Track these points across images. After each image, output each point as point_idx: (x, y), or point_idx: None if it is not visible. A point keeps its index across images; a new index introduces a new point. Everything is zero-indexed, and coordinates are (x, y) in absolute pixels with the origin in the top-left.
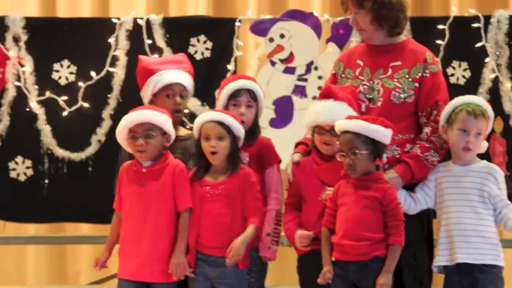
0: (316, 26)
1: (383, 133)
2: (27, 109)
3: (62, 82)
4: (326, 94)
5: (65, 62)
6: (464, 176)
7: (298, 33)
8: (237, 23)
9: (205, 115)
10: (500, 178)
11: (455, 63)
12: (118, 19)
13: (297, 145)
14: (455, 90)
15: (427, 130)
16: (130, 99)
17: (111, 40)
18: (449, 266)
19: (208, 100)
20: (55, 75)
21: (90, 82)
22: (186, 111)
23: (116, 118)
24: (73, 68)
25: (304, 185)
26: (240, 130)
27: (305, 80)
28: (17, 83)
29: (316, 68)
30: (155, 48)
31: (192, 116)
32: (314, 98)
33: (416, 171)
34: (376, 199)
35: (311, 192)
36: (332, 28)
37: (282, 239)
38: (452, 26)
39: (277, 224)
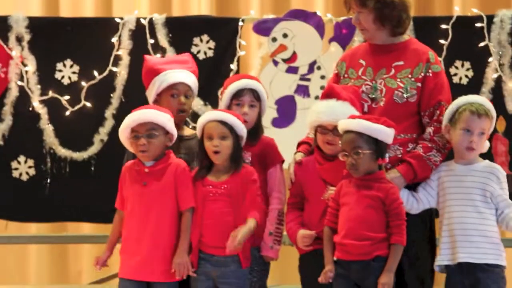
0: (319, 26)
1: (385, 133)
2: (30, 109)
3: (65, 81)
4: (328, 93)
5: (68, 62)
6: (467, 175)
7: (301, 32)
8: (240, 23)
9: (208, 115)
10: (502, 178)
11: (458, 63)
12: (121, 18)
13: (299, 144)
14: (458, 90)
15: (430, 130)
16: (133, 98)
17: (114, 39)
18: (451, 266)
19: (211, 99)
20: (58, 75)
21: (93, 82)
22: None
23: (118, 117)
24: (76, 68)
25: (306, 184)
26: (242, 130)
27: (308, 79)
28: (20, 83)
29: (319, 68)
30: (158, 48)
31: (194, 116)
32: (316, 97)
33: (419, 171)
34: (379, 198)
35: (313, 191)
36: (335, 28)
37: (284, 239)
38: (455, 26)
39: (279, 223)
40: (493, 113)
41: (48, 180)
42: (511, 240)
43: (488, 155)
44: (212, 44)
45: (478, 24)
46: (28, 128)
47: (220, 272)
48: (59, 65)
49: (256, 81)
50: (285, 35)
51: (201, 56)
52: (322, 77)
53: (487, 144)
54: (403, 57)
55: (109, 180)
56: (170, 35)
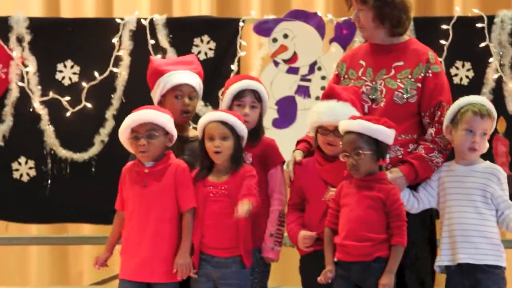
0: (320, 26)
1: (386, 134)
2: (30, 110)
3: (66, 82)
4: (329, 94)
5: (69, 63)
6: (467, 176)
7: (301, 33)
8: (240, 23)
9: (209, 115)
10: (503, 179)
11: (458, 63)
12: (122, 19)
13: (298, 142)
14: (458, 90)
15: (431, 131)
16: (134, 99)
17: (115, 40)
18: (451, 266)
19: (211, 100)
20: (58, 76)
21: (93, 83)
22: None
23: (119, 118)
24: (77, 69)
25: (307, 185)
26: (243, 130)
27: (309, 80)
28: (20, 84)
29: (319, 69)
30: (158, 49)
31: (195, 117)
32: (317, 98)
33: (421, 171)
34: (379, 199)
35: (314, 192)
36: (336, 28)
37: (285, 240)
38: (455, 26)
39: (280, 225)
40: (495, 113)
41: (49, 181)
42: (511, 241)
43: (488, 156)
44: (212, 44)
45: (479, 25)
46: (28, 129)
47: (221, 273)
48: (60, 66)
49: (257, 82)
50: (285, 36)
51: (201, 57)
52: (323, 77)
53: (486, 145)
54: (403, 58)
55: (109, 181)
56: (171, 35)
